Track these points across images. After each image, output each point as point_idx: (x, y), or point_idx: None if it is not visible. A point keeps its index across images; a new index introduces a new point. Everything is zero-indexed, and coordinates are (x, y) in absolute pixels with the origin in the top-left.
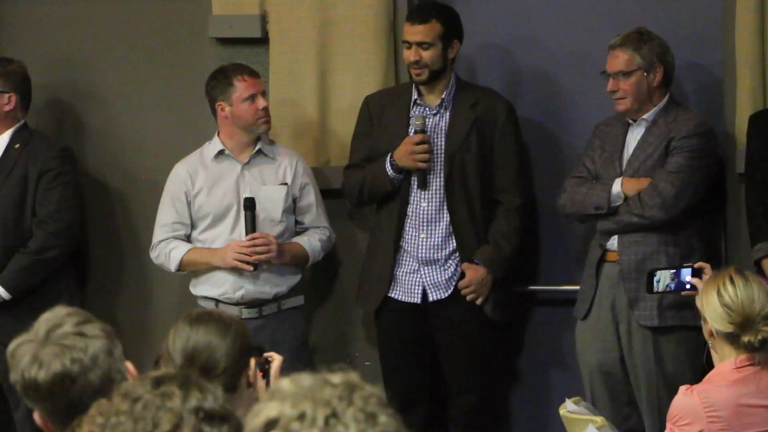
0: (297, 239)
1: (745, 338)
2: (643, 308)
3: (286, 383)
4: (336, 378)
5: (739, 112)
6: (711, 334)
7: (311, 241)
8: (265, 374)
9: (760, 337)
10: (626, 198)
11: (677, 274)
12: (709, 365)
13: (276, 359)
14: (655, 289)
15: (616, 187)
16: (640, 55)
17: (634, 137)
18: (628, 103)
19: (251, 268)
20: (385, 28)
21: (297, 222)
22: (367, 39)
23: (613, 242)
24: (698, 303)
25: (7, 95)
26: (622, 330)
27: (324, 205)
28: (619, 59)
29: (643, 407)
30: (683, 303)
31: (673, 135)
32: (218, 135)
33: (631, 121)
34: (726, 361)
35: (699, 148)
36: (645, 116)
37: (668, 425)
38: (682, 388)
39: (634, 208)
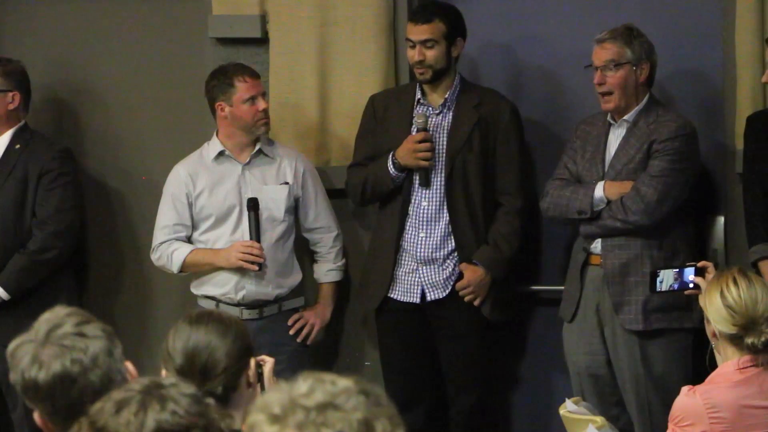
0: (317, 278)
1: (749, 340)
2: (628, 312)
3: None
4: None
5: (738, 113)
6: (714, 335)
7: (329, 272)
8: (258, 377)
9: (763, 339)
10: (609, 202)
11: (680, 274)
12: (711, 366)
13: (268, 362)
14: (658, 289)
15: (599, 191)
16: (631, 49)
17: (615, 137)
18: (616, 100)
19: (256, 268)
20: (386, 28)
21: (300, 222)
22: (367, 39)
23: (597, 245)
24: (701, 303)
25: (10, 94)
26: (608, 333)
27: (329, 202)
28: (610, 50)
29: (632, 409)
30: (668, 305)
31: (654, 137)
32: (217, 135)
33: (612, 122)
34: (729, 362)
35: (681, 150)
36: (626, 117)
37: (670, 426)
38: (684, 389)
39: (617, 213)
